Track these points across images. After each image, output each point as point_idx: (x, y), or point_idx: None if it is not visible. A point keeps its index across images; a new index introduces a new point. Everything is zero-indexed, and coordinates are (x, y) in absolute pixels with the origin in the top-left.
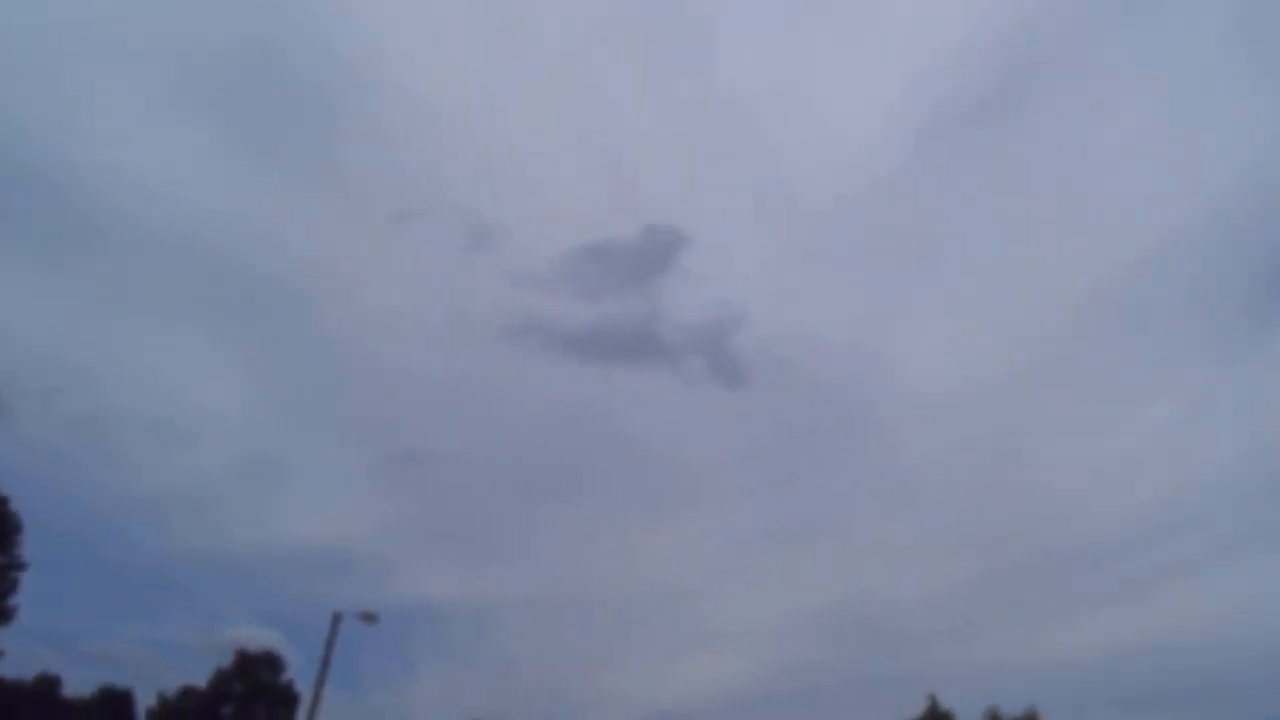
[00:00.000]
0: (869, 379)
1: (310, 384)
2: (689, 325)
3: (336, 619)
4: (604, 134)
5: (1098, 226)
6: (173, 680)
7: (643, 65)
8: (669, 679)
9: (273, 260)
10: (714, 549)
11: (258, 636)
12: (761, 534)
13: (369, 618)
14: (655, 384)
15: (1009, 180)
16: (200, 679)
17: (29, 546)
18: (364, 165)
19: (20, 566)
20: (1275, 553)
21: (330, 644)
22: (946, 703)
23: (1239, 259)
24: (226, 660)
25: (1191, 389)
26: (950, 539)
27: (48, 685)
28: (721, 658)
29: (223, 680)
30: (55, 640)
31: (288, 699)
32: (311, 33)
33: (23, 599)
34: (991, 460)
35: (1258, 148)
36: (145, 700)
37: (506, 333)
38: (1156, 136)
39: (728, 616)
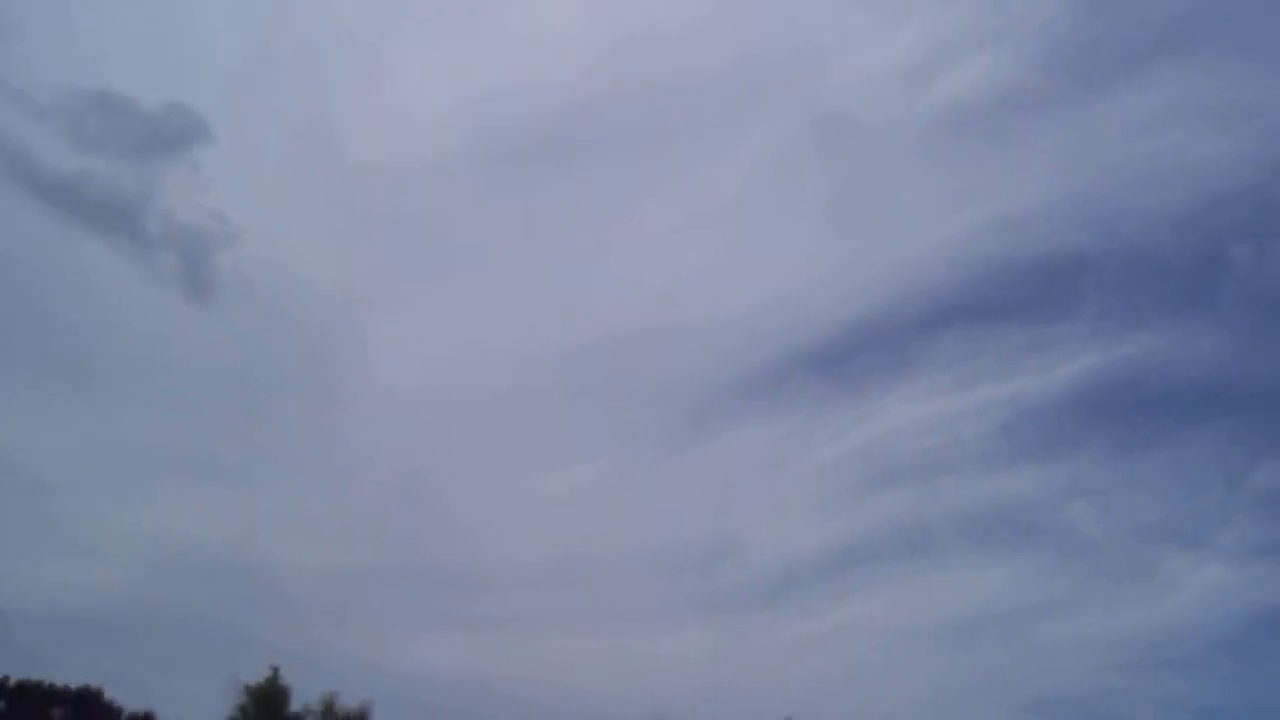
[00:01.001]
0: (342, 351)
1: None
2: (179, 221)
3: None
4: None
5: (601, 296)
6: None
7: None
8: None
9: None
10: (100, 451)
11: None
12: (157, 451)
13: None
14: (115, 265)
15: (549, 221)
16: None
17: None
18: None
19: None
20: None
21: None
22: (291, 679)
23: (698, 364)
24: None
25: (610, 468)
26: (362, 525)
27: None
28: (74, 566)
29: None
30: None
31: None
32: None
33: None
34: (421, 466)
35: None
36: None
37: None
38: (679, 234)
39: (89, 526)
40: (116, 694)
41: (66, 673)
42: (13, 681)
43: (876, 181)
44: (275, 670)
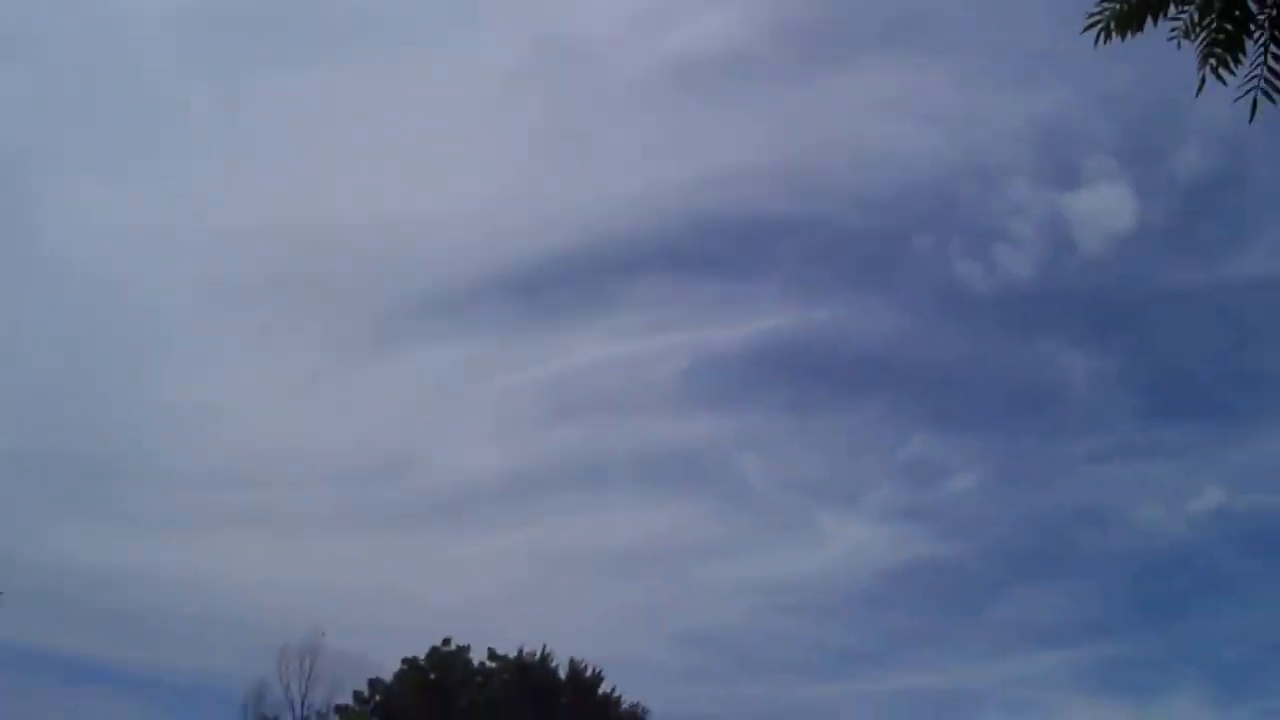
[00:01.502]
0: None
1: None
2: None
3: None
4: None
5: (302, 188)
6: None
7: None
8: None
9: None
10: None
11: None
12: None
13: None
14: None
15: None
16: None
17: None
18: None
19: None
20: None
21: None
22: None
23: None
24: None
25: (291, 369)
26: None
27: None
28: None
29: None
30: None
31: None
32: None
33: None
34: (85, 349)
35: None
36: None
37: None
38: None
39: None
40: None
41: None
42: None
43: (595, 118)
44: None
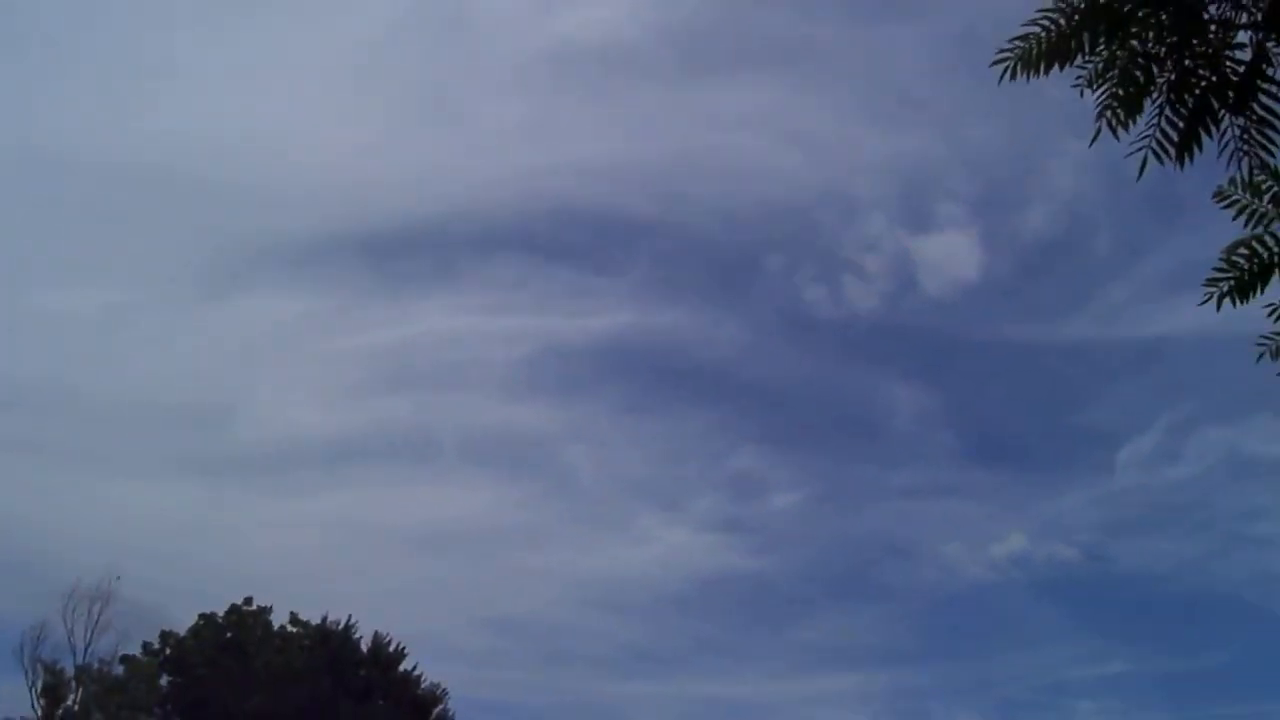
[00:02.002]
0: None
1: None
2: None
3: None
4: None
5: (162, 117)
6: None
7: None
8: None
9: None
10: None
11: None
12: None
13: None
14: None
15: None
16: None
17: None
18: None
19: None
20: None
21: None
22: None
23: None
24: None
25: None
26: None
27: None
28: None
29: None
30: None
31: None
32: None
33: None
34: None
35: None
36: None
37: None
38: None
39: None
40: None
41: None
42: None
43: (470, 89)
44: None
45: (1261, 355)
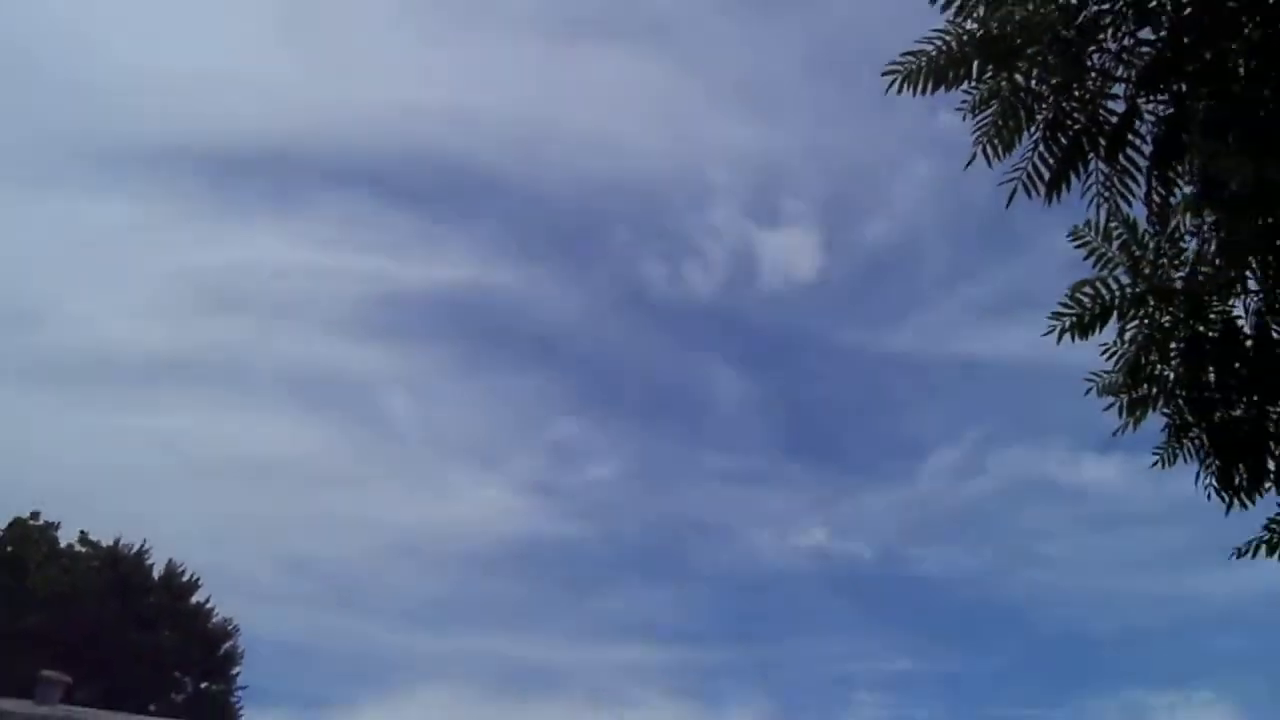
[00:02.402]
0: None
1: None
2: None
3: None
4: None
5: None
6: None
7: None
8: None
9: None
10: None
11: None
12: None
13: None
14: None
15: None
16: None
17: None
18: None
19: None
20: None
21: None
22: None
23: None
24: None
25: None
26: None
27: None
28: None
29: None
30: None
31: None
32: None
33: None
34: None
35: None
36: None
37: None
38: None
39: None
40: None
41: None
42: None
43: (338, 16)
44: None
45: (1089, 390)
